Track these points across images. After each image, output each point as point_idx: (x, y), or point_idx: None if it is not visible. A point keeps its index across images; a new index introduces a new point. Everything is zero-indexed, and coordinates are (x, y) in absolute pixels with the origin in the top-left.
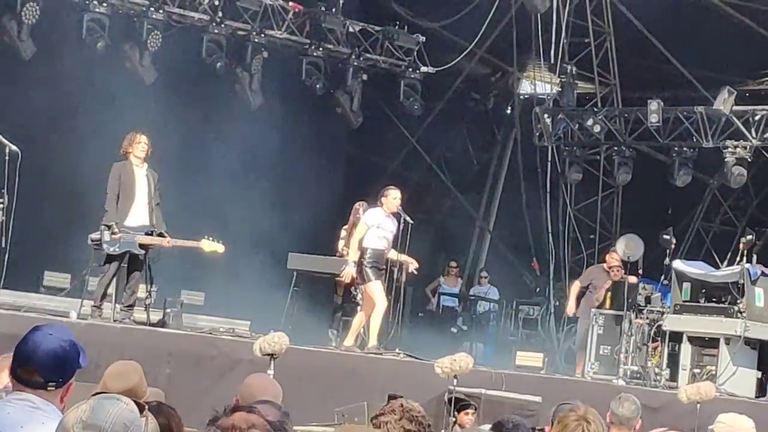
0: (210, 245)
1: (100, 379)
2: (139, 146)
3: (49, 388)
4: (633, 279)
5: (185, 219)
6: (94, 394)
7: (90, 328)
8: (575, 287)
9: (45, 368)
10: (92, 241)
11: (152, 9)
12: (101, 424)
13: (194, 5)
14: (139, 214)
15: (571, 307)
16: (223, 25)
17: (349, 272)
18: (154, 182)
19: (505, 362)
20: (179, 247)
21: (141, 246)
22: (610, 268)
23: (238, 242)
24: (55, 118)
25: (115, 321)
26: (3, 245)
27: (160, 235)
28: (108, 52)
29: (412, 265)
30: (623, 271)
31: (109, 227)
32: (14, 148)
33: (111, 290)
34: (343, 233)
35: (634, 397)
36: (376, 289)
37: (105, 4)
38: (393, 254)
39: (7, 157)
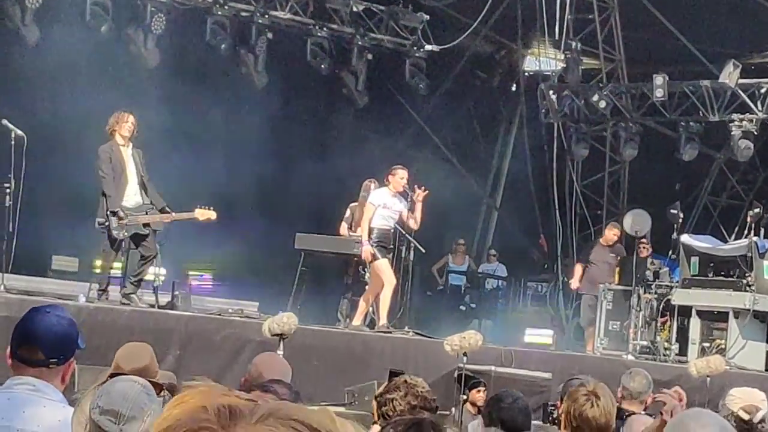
0: (203, 213)
1: (111, 362)
2: (126, 125)
3: (50, 365)
4: (644, 253)
5: (191, 199)
6: (110, 375)
7: (99, 311)
8: (578, 267)
9: (45, 345)
10: (99, 224)
11: None
12: (118, 409)
13: None
14: (134, 194)
15: (574, 282)
16: (226, 7)
17: (368, 251)
18: (140, 159)
19: (515, 339)
20: (176, 220)
21: (145, 225)
22: (612, 244)
23: (245, 223)
24: (59, 103)
25: (122, 297)
26: (10, 230)
27: (162, 210)
28: (112, 36)
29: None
30: (649, 246)
31: (115, 213)
32: (20, 132)
33: (118, 273)
34: (347, 212)
35: (645, 371)
36: (384, 267)
37: None
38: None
39: (12, 142)
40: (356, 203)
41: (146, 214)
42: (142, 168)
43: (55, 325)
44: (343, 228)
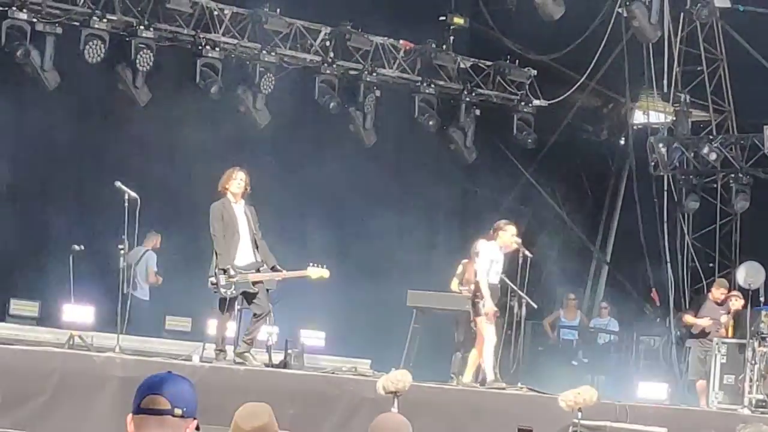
0: (316, 272)
1: (227, 422)
2: (235, 182)
3: (175, 415)
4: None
5: (303, 258)
6: None
7: (213, 372)
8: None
9: (171, 393)
10: (212, 284)
11: (264, 52)
12: None
13: (306, 46)
14: (246, 252)
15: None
16: (334, 66)
17: (491, 308)
18: (252, 217)
19: (628, 394)
20: (288, 278)
21: (254, 284)
22: (726, 299)
23: (357, 280)
24: (171, 162)
25: (236, 356)
26: (124, 291)
27: (273, 268)
28: (222, 96)
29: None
30: (742, 300)
31: (225, 271)
32: (133, 194)
33: (231, 333)
34: (459, 268)
35: (763, 424)
36: (484, 326)
37: (218, 49)
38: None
39: (126, 204)
40: (467, 260)
41: (257, 272)
42: (254, 225)
43: (177, 378)
44: (455, 284)
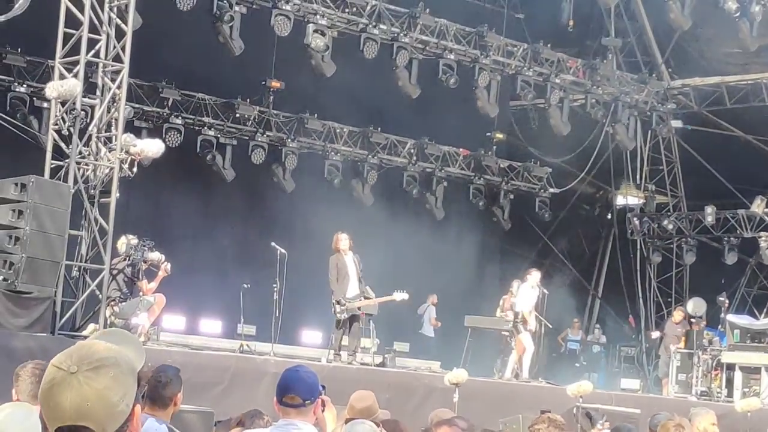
0: (399, 295)
1: (344, 403)
2: (341, 242)
3: (306, 404)
4: (697, 327)
5: (392, 291)
6: (347, 420)
7: (335, 369)
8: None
9: (301, 392)
10: (333, 310)
11: (369, 156)
12: None
13: (397, 152)
14: (354, 287)
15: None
16: (416, 165)
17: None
18: (358, 263)
19: (613, 386)
20: (381, 303)
21: (359, 308)
22: (678, 322)
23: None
24: (307, 232)
25: (348, 363)
26: (277, 314)
27: (367, 298)
28: (341, 186)
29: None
30: (703, 323)
31: (338, 302)
32: (283, 251)
33: (345, 342)
34: (501, 301)
35: (703, 407)
36: (525, 339)
37: (339, 154)
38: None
39: (278, 258)
40: (506, 295)
41: (360, 300)
42: (359, 268)
43: (304, 377)
44: (498, 311)
